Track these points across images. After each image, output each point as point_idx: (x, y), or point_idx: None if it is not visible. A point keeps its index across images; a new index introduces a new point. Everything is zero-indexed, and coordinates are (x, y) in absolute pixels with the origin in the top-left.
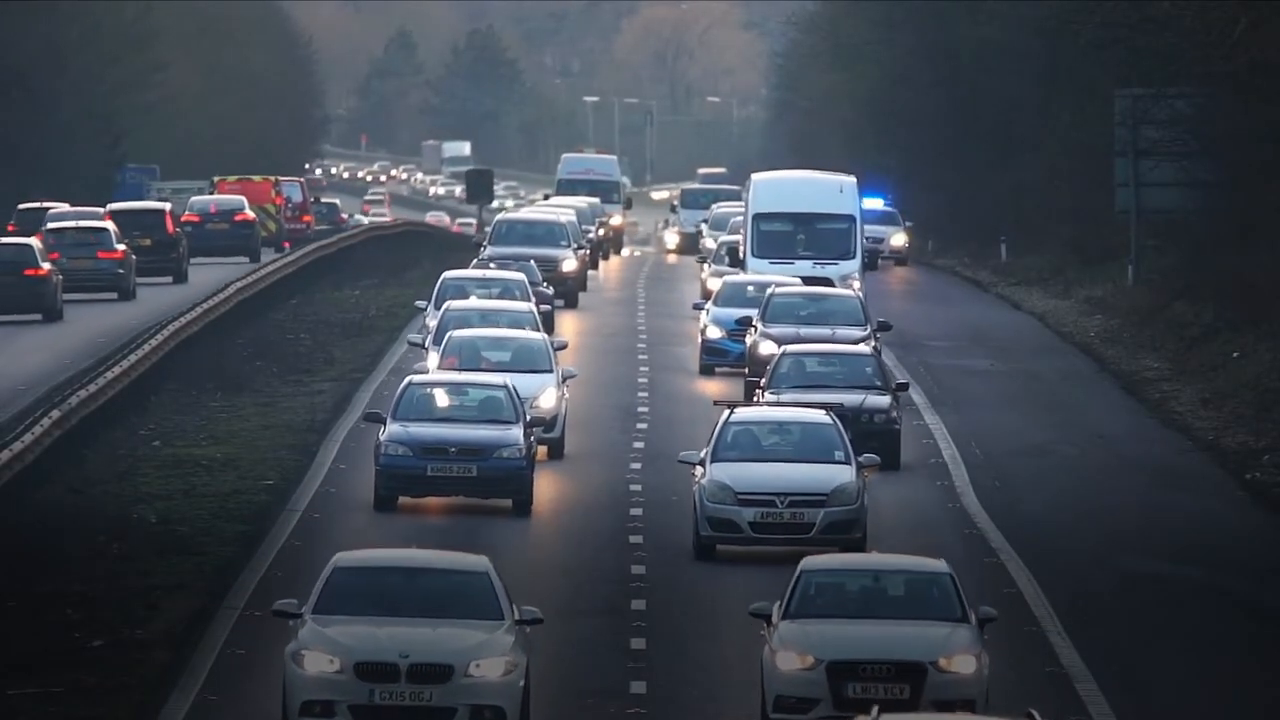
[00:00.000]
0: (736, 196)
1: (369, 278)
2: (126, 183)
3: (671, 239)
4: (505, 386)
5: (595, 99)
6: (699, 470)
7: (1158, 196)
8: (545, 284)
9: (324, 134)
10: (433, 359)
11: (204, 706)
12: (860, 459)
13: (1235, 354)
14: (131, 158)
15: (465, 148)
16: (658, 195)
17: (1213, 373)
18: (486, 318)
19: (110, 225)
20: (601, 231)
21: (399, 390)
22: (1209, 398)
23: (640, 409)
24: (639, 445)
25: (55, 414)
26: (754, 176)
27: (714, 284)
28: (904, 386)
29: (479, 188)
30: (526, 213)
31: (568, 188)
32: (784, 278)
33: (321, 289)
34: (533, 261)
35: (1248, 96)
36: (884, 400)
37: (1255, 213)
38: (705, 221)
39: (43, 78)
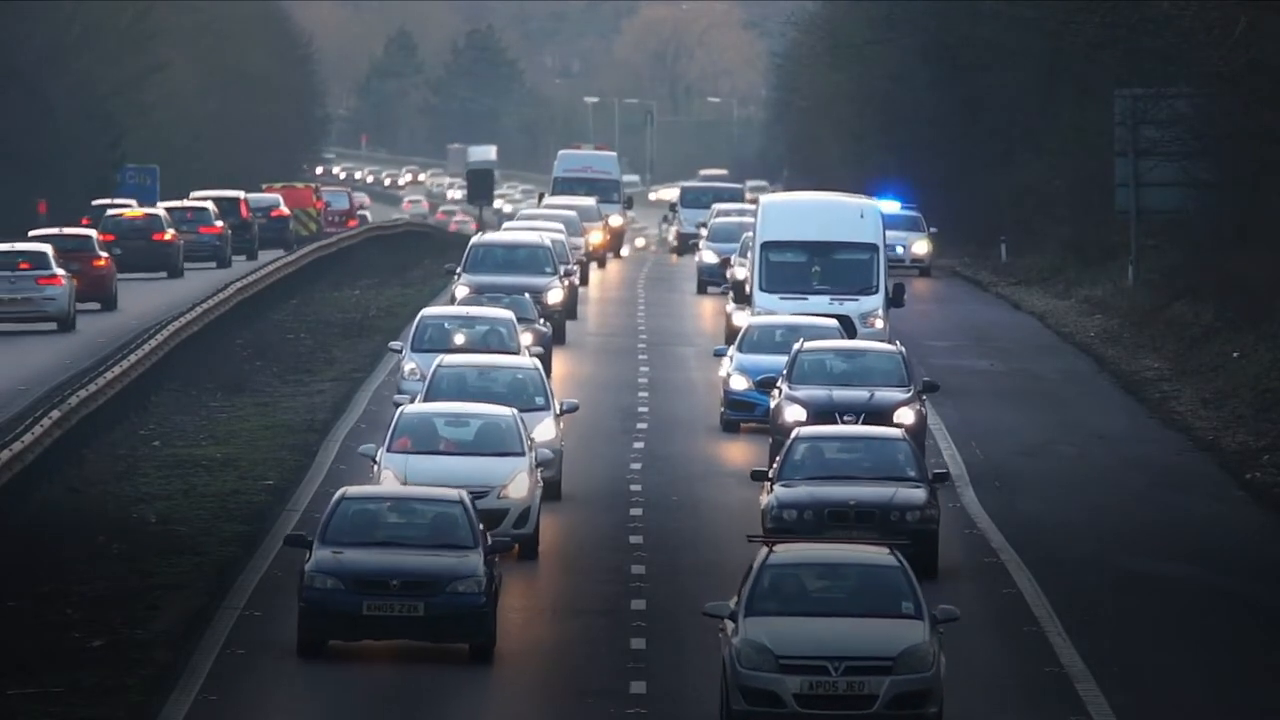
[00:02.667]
0: (739, 196)
1: (369, 278)
2: (127, 182)
3: (672, 238)
4: (460, 501)
5: (595, 99)
6: (729, 625)
7: (1158, 196)
8: (541, 319)
9: (324, 134)
10: None
11: (204, 706)
12: (935, 612)
13: (1235, 354)
14: (131, 158)
15: (491, 151)
16: (663, 195)
17: (1213, 373)
18: (484, 375)
19: (211, 205)
20: (597, 241)
21: (330, 506)
22: (1209, 398)
23: (640, 409)
24: (639, 445)
25: (55, 414)
26: (762, 199)
27: (741, 320)
28: (943, 477)
29: (479, 188)
30: (505, 235)
31: (564, 186)
32: (808, 318)
33: (321, 289)
34: (527, 295)
35: (1247, 96)
36: (918, 495)
37: (1255, 213)
38: (703, 224)
39: (43, 78)
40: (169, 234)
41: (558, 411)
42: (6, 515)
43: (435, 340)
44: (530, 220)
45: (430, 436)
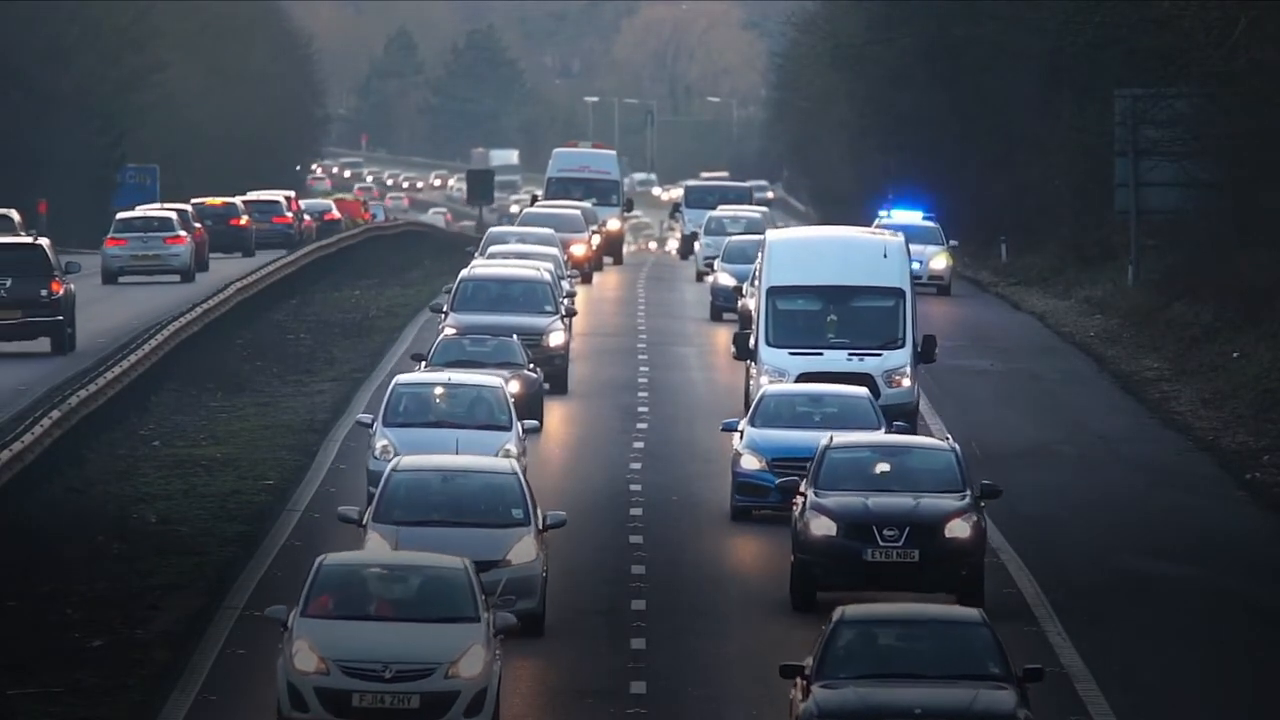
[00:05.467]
0: (745, 196)
1: (369, 278)
2: (127, 182)
3: (672, 242)
4: None
5: (595, 99)
6: None
7: (1158, 196)
8: (531, 364)
9: (324, 134)
10: (373, 542)
11: (204, 706)
12: None
13: (1235, 354)
14: (131, 158)
15: (513, 156)
16: (675, 194)
17: (1213, 373)
18: (450, 483)
19: (283, 199)
20: (580, 254)
21: None
22: (1209, 398)
23: (640, 409)
24: (639, 445)
25: (55, 414)
26: (769, 236)
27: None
28: (1036, 674)
29: (479, 188)
30: (499, 268)
31: (559, 188)
32: (834, 388)
33: (321, 289)
34: (515, 337)
35: (1248, 96)
36: (1005, 700)
37: (1255, 213)
38: (697, 228)
39: (43, 78)
40: (244, 220)
41: (540, 526)
42: (6, 515)
43: (411, 412)
44: (503, 243)
45: (358, 596)
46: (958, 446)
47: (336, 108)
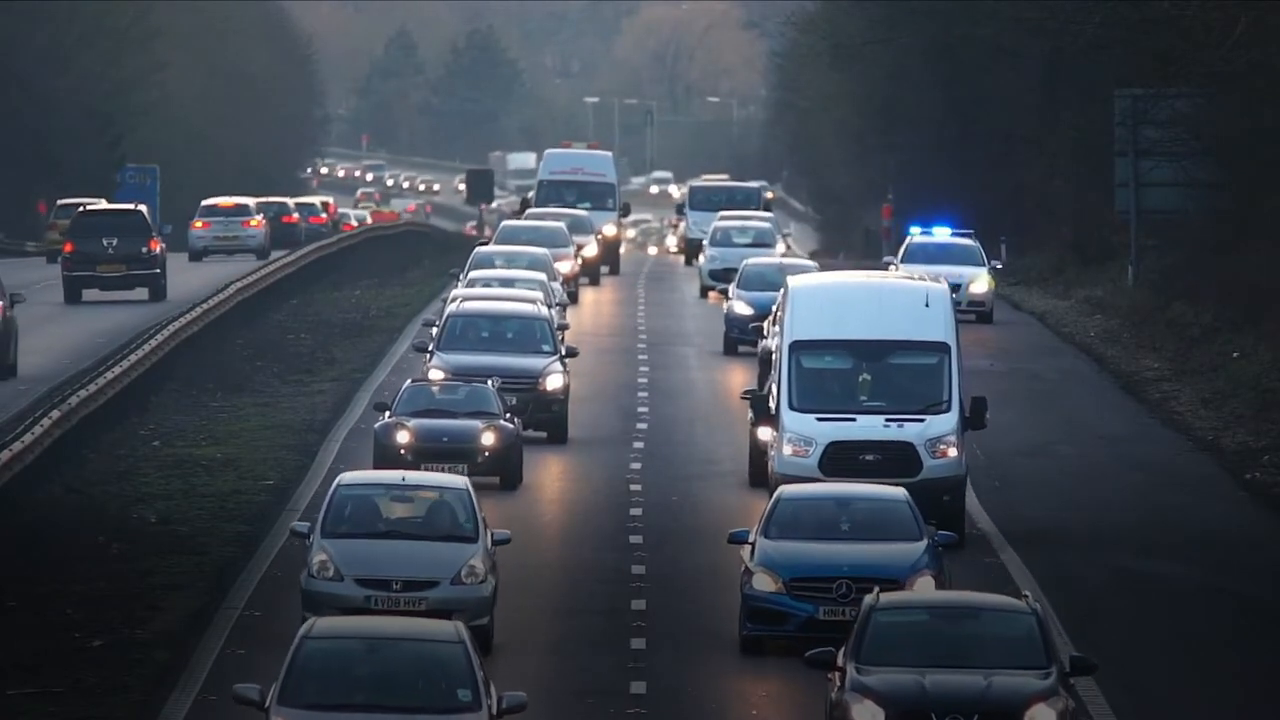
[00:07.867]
0: (754, 199)
1: (369, 278)
2: (127, 183)
3: (673, 244)
4: None
5: (595, 99)
6: None
7: (1158, 196)
8: (508, 413)
9: (324, 134)
10: None
11: (204, 706)
12: None
13: (1235, 354)
14: (131, 158)
15: (530, 159)
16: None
17: (1213, 373)
18: (376, 654)
19: (318, 202)
20: (565, 271)
21: None
22: (1209, 398)
23: (640, 409)
24: (639, 445)
25: (55, 414)
26: (791, 284)
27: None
28: None
29: (479, 188)
30: (491, 304)
31: (551, 191)
32: (868, 487)
33: (321, 289)
34: (490, 382)
35: (1248, 96)
36: None
37: (1255, 213)
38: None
39: (43, 78)
40: (294, 217)
41: (494, 712)
42: (6, 515)
43: (357, 519)
44: (490, 269)
45: None
46: (1039, 606)
47: (336, 108)
